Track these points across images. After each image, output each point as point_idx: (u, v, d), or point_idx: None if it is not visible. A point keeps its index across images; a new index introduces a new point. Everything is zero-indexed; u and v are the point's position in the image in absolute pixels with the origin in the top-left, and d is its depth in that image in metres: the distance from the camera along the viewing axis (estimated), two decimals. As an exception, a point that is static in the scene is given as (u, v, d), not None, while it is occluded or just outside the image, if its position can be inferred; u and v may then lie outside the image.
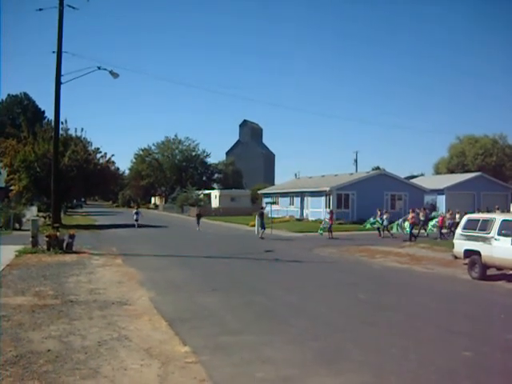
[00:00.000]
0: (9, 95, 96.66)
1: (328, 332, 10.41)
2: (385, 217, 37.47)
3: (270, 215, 45.00)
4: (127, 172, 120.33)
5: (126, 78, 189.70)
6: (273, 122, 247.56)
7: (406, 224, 35.61)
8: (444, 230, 36.15)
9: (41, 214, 47.90)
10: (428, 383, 7.67)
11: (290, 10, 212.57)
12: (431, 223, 37.34)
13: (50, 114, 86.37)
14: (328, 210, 44.57)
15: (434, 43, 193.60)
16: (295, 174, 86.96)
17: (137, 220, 45.10)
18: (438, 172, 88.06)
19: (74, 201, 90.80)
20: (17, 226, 38.85)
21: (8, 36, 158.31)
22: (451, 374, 8.01)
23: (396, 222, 37.44)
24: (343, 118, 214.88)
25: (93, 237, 33.56)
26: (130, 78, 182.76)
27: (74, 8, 27.44)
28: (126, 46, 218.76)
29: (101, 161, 48.07)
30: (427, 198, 55.47)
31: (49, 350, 8.64)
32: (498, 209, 41.14)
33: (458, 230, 19.85)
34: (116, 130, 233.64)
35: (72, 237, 24.09)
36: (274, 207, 45.51)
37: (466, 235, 18.89)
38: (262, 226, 36.38)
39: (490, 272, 18.05)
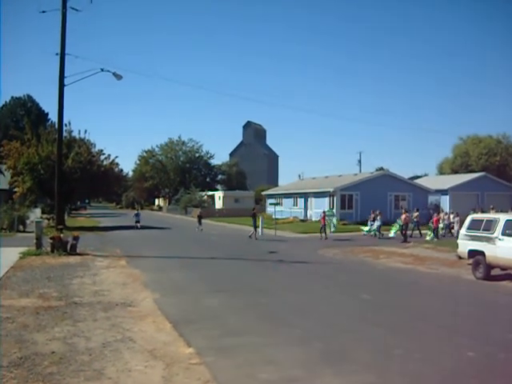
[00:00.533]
0: (12, 97, 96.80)
1: (332, 333, 10.41)
2: (378, 218, 37.45)
3: (273, 216, 44.98)
4: (131, 174, 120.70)
5: (130, 80, 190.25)
6: (276, 123, 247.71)
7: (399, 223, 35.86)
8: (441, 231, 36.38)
9: (45, 215, 47.95)
10: (432, 383, 7.66)
11: (294, 11, 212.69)
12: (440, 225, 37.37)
13: (53, 116, 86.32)
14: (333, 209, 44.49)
15: (437, 45, 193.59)
16: (299, 175, 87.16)
17: (137, 222, 46.71)
18: (441, 172, 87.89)
19: (78, 202, 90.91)
20: (21, 227, 38.92)
21: (11, 38, 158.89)
22: (455, 374, 8.00)
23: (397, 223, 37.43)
24: (347, 118, 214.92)
25: (97, 238, 33.58)
26: (134, 80, 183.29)
27: (76, 10, 27.49)
28: (130, 47, 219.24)
29: (104, 162, 48.06)
30: (431, 199, 55.37)
31: (53, 352, 8.65)
32: (492, 209, 41.04)
33: (462, 231, 19.83)
34: (120, 131, 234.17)
35: (76, 238, 24.12)
36: (278, 208, 45.43)
37: (470, 235, 18.87)
38: (255, 227, 36.63)
39: (494, 272, 18.02)
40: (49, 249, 23.40)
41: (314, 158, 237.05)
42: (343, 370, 8.03)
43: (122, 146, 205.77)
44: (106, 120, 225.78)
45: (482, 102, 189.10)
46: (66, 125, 42.81)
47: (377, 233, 37.42)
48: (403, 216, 35.13)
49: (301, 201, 58.32)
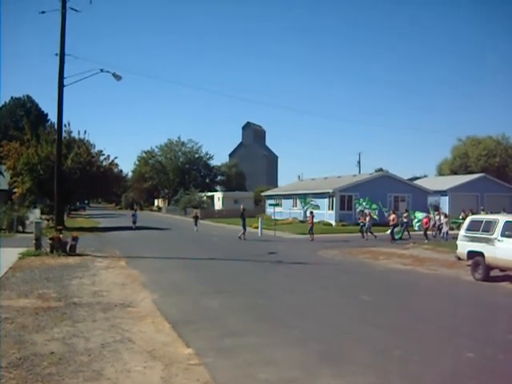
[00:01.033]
0: (12, 98, 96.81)
1: (331, 334, 10.42)
2: (367, 219, 37.31)
3: (273, 217, 45.01)
4: (130, 174, 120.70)
5: (129, 81, 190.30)
6: (276, 124, 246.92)
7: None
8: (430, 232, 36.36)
9: (44, 216, 47.89)
10: (432, 385, 7.67)
11: (293, 12, 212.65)
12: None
13: (53, 117, 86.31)
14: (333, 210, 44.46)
15: (436, 46, 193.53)
16: (298, 176, 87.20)
17: (134, 222, 47.41)
18: (441, 173, 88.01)
19: (77, 203, 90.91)
20: (20, 228, 38.87)
21: (11, 38, 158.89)
22: (455, 375, 8.01)
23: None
24: (346, 120, 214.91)
25: (96, 239, 33.59)
26: (133, 81, 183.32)
27: (76, 11, 27.51)
28: (129, 48, 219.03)
29: (104, 163, 48.03)
30: (430, 200, 55.39)
31: (52, 353, 8.64)
32: (482, 210, 41.13)
33: (462, 232, 19.85)
34: (119, 132, 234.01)
35: (75, 239, 24.12)
36: (277, 209, 45.52)
37: (470, 236, 18.88)
38: (244, 228, 36.61)
39: (493, 273, 18.03)
40: (48, 249, 23.40)
41: (314, 159, 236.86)
42: (342, 371, 8.03)
43: (122, 147, 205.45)
44: (105, 121, 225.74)
45: (481, 103, 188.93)
46: (65, 125, 42.85)
47: (365, 234, 37.15)
48: (391, 216, 35.03)
49: (300, 202, 58.28)
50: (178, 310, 12.57)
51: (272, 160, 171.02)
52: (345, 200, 50.76)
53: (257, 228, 41.60)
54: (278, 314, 12.37)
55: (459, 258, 19.97)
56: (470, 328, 11.05)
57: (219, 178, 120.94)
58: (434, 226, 37.69)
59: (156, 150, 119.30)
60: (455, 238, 35.13)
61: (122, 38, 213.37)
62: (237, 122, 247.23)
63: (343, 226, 45.44)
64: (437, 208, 51.85)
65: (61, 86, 27.09)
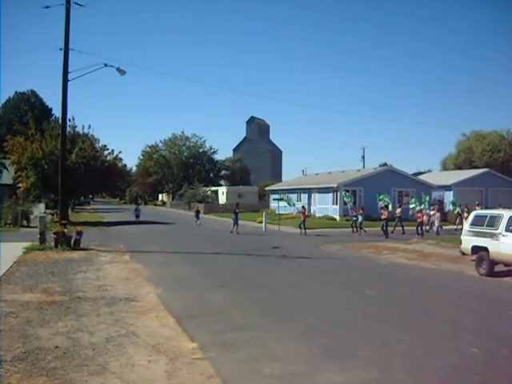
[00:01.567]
0: (16, 92, 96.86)
1: (335, 328, 10.42)
2: (360, 213, 37.18)
3: (277, 212, 45.00)
4: (134, 169, 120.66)
5: (133, 76, 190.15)
6: (280, 119, 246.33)
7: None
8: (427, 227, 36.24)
9: (48, 211, 48.03)
10: (435, 379, 7.65)
11: (298, 9, 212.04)
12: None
13: (57, 112, 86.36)
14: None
15: (441, 42, 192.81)
16: (302, 171, 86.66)
17: (137, 216, 49.18)
18: (445, 168, 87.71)
19: (82, 198, 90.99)
20: (24, 222, 39.00)
21: (15, 33, 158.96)
22: (458, 369, 8.00)
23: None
24: (351, 114, 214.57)
25: (100, 234, 33.66)
26: (137, 76, 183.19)
27: (80, 5, 27.43)
28: (134, 43, 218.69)
29: (108, 158, 48.02)
30: (435, 195, 55.28)
31: (57, 347, 8.67)
32: (478, 205, 41.05)
33: (466, 227, 19.83)
34: (123, 126, 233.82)
35: (79, 234, 24.18)
36: (281, 204, 45.49)
37: (474, 231, 18.85)
38: (235, 222, 37.04)
39: (497, 268, 18.02)
40: (52, 244, 23.46)
41: (318, 154, 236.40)
42: (346, 365, 8.04)
43: (126, 141, 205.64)
44: (109, 115, 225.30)
45: (485, 98, 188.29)
46: (69, 120, 43.01)
47: (356, 229, 37.03)
48: (383, 211, 34.90)
49: (304, 196, 58.29)
50: (182, 304, 12.59)
51: (276, 154, 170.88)
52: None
53: (261, 223, 41.62)
54: (282, 308, 12.39)
55: (463, 253, 19.95)
56: (473, 323, 11.05)
57: (223, 172, 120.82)
58: (428, 221, 37.58)
59: (160, 144, 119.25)
60: (449, 233, 35.48)
61: (126, 32, 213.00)
62: (241, 117, 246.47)
63: (347, 220, 45.33)
64: (441, 203, 51.87)
65: (65, 80, 27.02)
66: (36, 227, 26.85)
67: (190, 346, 8.88)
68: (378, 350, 8.81)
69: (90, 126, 49.09)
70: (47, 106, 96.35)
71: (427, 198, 42.46)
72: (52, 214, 43.51)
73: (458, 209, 43.59)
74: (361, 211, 37.28)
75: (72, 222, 36.78)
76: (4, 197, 45.30)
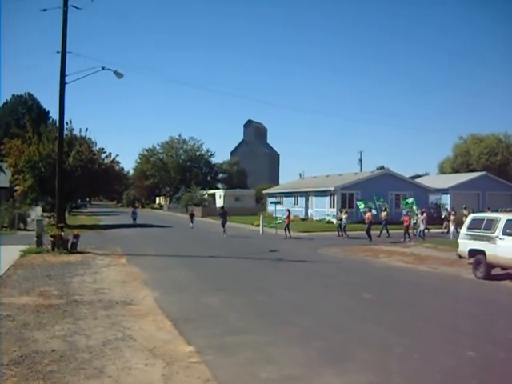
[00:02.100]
0: (13, 95, 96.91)
1: (332, 331, 10.42)
2: (344, 216, 37.02)
3: (274, 215, 44.97)
4: (132, 172, 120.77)
5: (131, 79, 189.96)
6: (277, 122, 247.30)
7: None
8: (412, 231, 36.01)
9: (45, 214, 48.04)
10: (432, 383, 7.66)
11: (295, 12, 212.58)
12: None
13: (54, 115, 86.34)
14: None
15: (438, 45, 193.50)
16: (300, 174, 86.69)
17: (134, 219, 50.96)
18: (442, 171, 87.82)
19: (79, 201, 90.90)
20: (21, 226, 38.91)
21: (12, 36, 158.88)
22: (455, 373, 8.01)
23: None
24: (348, 118, 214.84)
25: (97, 237, 33.60)
26: (134, 79, 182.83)
27: (77, 8, 27.48)
28: (131, 46, 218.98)
29: (105, 161, 48.05)
30: (432, 198, 55.32)
31: (53, 350, 8.66)
32: (465, 208, 41.11)
33: (463, 230, 19.85)
34: (120, 130, 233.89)
35: (77, 237, 24.14)
36: (279, 207, 45.48)
37: (471, 235, 18.87)
38: (223, 224, 37.53)
39: (494, 271, 18.02)
40: (49, 247, 23.41)
41: (315, 157, 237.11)
42: (343, 368, 8.04)
43: (123, 144, 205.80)
44: (106, 118, 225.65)
45: (482, 101, 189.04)
46: (67, 123, 42.99)
47: (341, 232, 36.79)
48: (367, 215, 34.80)
49: (301, 200, 58.29)
50: (179, 307, 12.58)
51: (273, 158, 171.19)
52: (346, 198, 50.61)
53: (258, 226, 41.59)
54: (279, 311, 12.38)
55: (460, 257, 19.95)
56: (471, 326, 11.06)
57: (220, 175, 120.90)
58: (415, 224, 37.40)
59: (157, 147, 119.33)
60: (435, 236, 35.50)
61: (124, 35, 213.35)
62: (238, 120, 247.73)
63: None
64: (438, 206, 51.90)
65: (62, 83, 27.07)
66: (33, 230, 26.80)
67: (187, 350, 8.87)
68: (375, 354, 8.82)
69: (87, 129, 49.06)
70: (44, 109, 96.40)
71: (410, 201, 42.48)
72: (49, 217, 43.51)
73: (444, 212, 43.58)
74: (345, 214, 37.22)
75: (69, 225, 36.78)
76: (1, 200, 45.31)
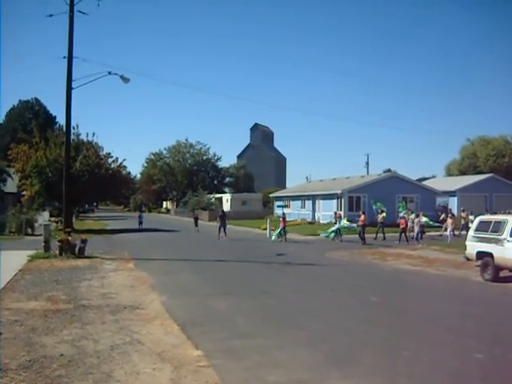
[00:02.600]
0: (20, 101, 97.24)
1: (340, 335, 10.40)
2: (338, 220, 36.87)
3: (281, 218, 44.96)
4: (139, 176, 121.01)
5: (137, 83, 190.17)
6: (284, 126, 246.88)
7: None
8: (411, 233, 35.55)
9: (53, 218, 48.14)
10: (440, 386, 7.65)
11: (302, 14, 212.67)
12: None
13: (61, 119, 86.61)
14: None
15: (442, 46, 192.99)
16: (306, 178, 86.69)
17: (141, 223, 51.28)
18: (449, 174, 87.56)
19: (86, 205, 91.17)
20: (29, 230, 39.09)
21: (19, 41, 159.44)
22: (463, 376, 7.99)
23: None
24: (354, 121, 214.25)
25: (104, 241, 33.68)
26: (141, 83, 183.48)
27: (84, 13, 27.53)
28: (137, 50, 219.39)
29: (112, 165, 48.18)
30: (439, 200, 55.19)
31: (62, 355, 8.67)
32: (463, 211, 41.03)
33: (470, 232, 19.80)
34: (127, 134, 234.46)
35: (84, 241, 24.19)
36: (286, 210, 45.48)
37: (479, 237, 18.82)
38: (220, 228, 37.72)
39: (502, 274, 17.96)
40: (57, 252, 23.48)
41: (322, 160, 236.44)
42: (351, 372, 8.03)
43: (130, 149, 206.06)
44: (113, 122, 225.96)
45: (489, 103, 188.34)
46: (73, 128, 43.09)
47: (333, 235, 36.43)
48: (361, 217, 34.60)
49: (308, 203, 58.27)
50: (187, 311, 12.59)
51: (280, 161, 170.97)
52: (353, 201, 50.56)
53: (265, 229, 41.57)
54: (287, 315, 12.37)
55: (468, 259, 19.89)
56: (478, 329, 11.02)
57: (227, 179, 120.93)
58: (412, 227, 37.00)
59: (164, 151, 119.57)
60: (434, 238, 35.33)
61: (131, 39, 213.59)
62: (245, 124, 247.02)
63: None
64: (445, 209, 51.75)
65: (69, 88, 27.10)
66: (40, 235, 26.88)
67: (195, 354, 8.87)
68: (382, 357, 8.80)
69: (94, 134, 49.21)
70: (51, 114, 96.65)
71: (403, 204, 42.37)
72: (56, 222, 43.64)
73: (442, 215, 43.16)
74: (339, 218, 37.02)
75: (76, 229, 36.81)
76: (8, 205, 45.49)
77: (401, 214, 38.18)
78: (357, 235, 34.99)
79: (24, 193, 45.05)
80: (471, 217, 38.44)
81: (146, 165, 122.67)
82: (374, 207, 42.53)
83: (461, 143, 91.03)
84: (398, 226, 35.42)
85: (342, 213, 42.27)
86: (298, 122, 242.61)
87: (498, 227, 17.82)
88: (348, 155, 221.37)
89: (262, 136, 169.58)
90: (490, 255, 17.79)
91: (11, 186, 50.69)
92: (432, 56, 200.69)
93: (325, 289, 16.43)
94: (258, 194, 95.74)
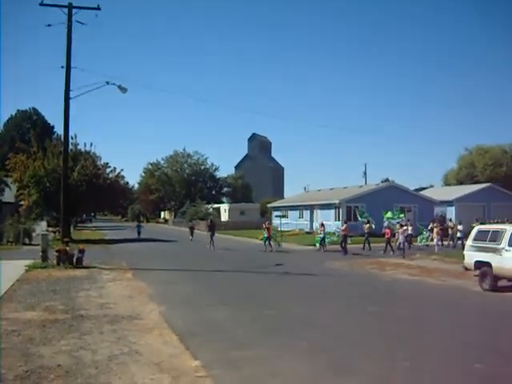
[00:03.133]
0: (18, 110, 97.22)
1: (339, 345, 10.37)
2: (322, 230, 36.74)
3: (279, 229, 44.93)
4: (137, 186, 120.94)
5: (135, 93, 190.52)
6: (281, 136, 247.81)
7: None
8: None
9: (50, 228, 48.02)
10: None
11: (299, 19, 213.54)
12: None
13: (59, 129, 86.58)
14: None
15: (442, 52, 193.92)
16: (304, 187, 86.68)
17: (139, 233, 50.82)
18: (447, 183, 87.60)
19: (84, 215, 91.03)
20: (27, 240, 39.00)
21: (17, 52, 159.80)
22: (463, 386, 7.97)
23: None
24: (352, 130, 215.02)
25: (102, 251, 33.58)
26: (139, 93, 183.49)
27: (82, 23, 27.59)
28: (135, 59, 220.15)
29: (110, 175, 48.20)
30: (437, 210, 55.19)
31: (59, 365, 8.62)
32: (450, 220, 41.11)
33: (469, 242, 19.79)
34: (125, 144, 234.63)
35: (82, 251, 24.13)
36: (284, 220, 45.49)
37: (477, 246, 18.81)
38: (211, 238, 37.87)
39: (501, 283, 17.94)
40: (55, 262, 23.41)
41: (320, 170, 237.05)
42: (349, 382, 8.00)
43: (127, 158, 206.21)
44: (111, 132, 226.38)
45: (488, 112, 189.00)
46: (71, 138, 43.01)
47: (318, 245, 36.54)
48: (343, 226, 34.46)
49: (306, 213, 58.28)
50: (185, 321, 12.54)
51: (278, 171, 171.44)
52: (351, 211, 50.51)
53: (262, 240, 41.49)
54: (285, 325, 12.33)
55: (466, 269, 19.87)
56: (478, 338, 11.00)
57: (225, 189, 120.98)
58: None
59: (162, 161, 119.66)
60: (421, 248, 35.26)
61: (128, 48, 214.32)
62: (243, 134, 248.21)
63: (350, 236, 45.23)
64: (443, 218, 51.73)
65: (67, 98, 27.13)
66: (38, 245, 26.83)
67: (193, 364, 8.84)
68: (382, 367, 8.77)
69: (91, 144, 49.20)
70: (49, 124, 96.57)
71: (388, 215, 42.33)
72: (54, 232, 43.50)
73: (430, 225, 43.00)
74: (322, 228, 36.98)
75: (74, 239, 36.76)
76: (6, 215, 45.42)
77: (385, 224, 38.08)
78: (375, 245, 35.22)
79: (22, 203, 45.03)
80: (459, 227, 38.64)
81: (143, 174, 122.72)
82: (360, 219, 42.47)
83: (458, 153, 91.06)
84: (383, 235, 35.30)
85: (325, 223, 42.04)
86: (296, 133, 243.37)
87: (496, 237, 17.82)
88: (346, 165, 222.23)
89: (259, 146, 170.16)
90: (489, 265, 17.78)
91: (9, 195, 50.64)
92: (431, 65, 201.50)
93: (323, 299, 16.41)
94: (255, 204, 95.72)
